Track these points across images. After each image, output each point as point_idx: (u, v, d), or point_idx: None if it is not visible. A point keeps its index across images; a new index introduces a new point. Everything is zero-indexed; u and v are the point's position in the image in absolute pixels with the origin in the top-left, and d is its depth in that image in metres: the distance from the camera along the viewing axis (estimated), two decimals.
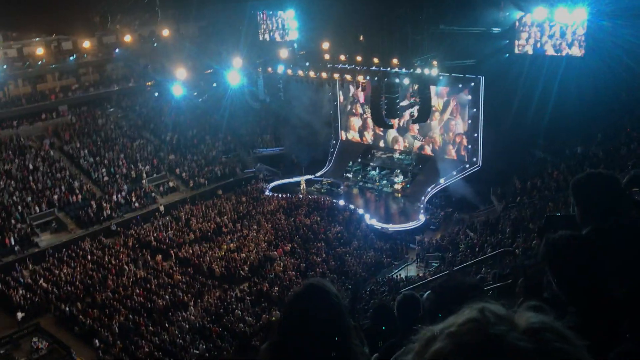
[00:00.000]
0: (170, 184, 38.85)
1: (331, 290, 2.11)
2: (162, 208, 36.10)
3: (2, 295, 26.87)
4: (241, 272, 28.69)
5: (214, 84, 34.38)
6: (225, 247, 31.00)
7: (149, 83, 34.71)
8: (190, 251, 30.71)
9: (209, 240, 32.23)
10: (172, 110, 42.36)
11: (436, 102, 37.31)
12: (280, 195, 38.07)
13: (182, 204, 36.86)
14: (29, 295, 26.71)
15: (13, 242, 30.37)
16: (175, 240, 32.04)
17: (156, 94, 35.24)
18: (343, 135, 44.67)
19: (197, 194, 38.26)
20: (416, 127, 39.24)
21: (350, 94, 42.95)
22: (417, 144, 39.79)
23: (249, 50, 34.46)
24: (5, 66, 39.40)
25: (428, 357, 1.14)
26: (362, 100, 42.31)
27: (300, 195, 37.99)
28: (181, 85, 32.56)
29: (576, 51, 28.69)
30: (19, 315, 25.40)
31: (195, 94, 34.24)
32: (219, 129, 44.18)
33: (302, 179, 40.11)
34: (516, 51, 31.12)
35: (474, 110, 35.94)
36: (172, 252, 30.88)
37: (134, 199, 35.85)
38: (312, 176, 41.63)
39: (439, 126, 38.24)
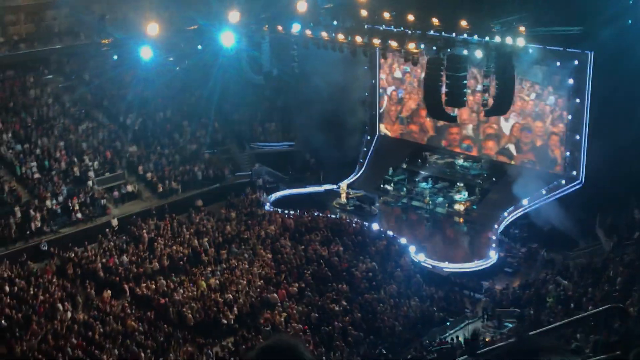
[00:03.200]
0: (129, 188, 39.03)
1: (304, 356, 2.15)
2: (115, 222, 36.25)
3: None
4: (225, 320, 28.73)
5: (199, 47, 34.61)
6: (203, 283, 31.08)
7: (106, 41, 34.99)
8: (153, 287, 30.84)
9: (180, 272, 32.35)
10: (137, 82, 42.63)
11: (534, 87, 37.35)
12: (286, 212, 38.21)
13: (145, 217, 37.01)
14: None
15: None
16: (132, 270, 32.16)
17: (115, 58, 35.42)
18: (383, 128, 44.70)
19: (166, 204, 38.42)
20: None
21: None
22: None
23: (250, 0, 34.68)
24: None
25: None
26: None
27: (337, 211, 38.69)
28: (151, 47, 32.81)
29: None
30: None
31: (171, 59, 34.45)
32: (203, 111, 44.30)
33: (344, 184, 40.44)
34: None
35: (577, 100, 35.73)
36: (126, 286, 31.04)
37: (75, 208, 36.20)
38: (335, 186, 41.71)
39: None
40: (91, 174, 38.59)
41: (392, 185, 40.94)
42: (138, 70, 37.92)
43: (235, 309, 29.26)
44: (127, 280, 31.52)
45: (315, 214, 37.94)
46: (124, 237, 35.36)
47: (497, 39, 30.10)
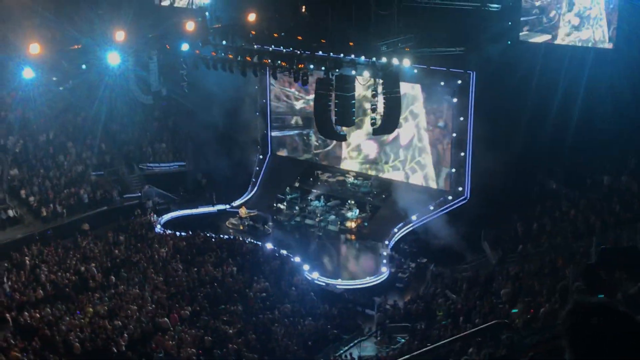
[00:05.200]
0: (10, 212, 37.97)
1: None
2: None
3: None
4: (115, 348, 28.01)
5: (84, 66, 33.81)
6: (91, 310, 30.26)
7: None
8: (38, 315, 29.79)
9: (66, 300, 31.41)
10: (17, 103, 41.41)
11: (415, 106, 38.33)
12: (178, 234, 37.76)
13: (28, 243, 35.94)
14: None
15: None
16: (15, 299, 31.10)
17: None
18: (276, 148, 44.93)
19: (51, 228, 37.56)
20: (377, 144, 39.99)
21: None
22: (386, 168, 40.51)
23: (137, 19, 34.15)
24: None
25: None
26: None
27: (230, 231, 38.66)
28: (33, 67, 31.82)
29: (605, 43, 30.16)
30: None
31: (54, 79, 33.53)
32: (89, 132, 43.61)
33: (243, 208, 40.64)
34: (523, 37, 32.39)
35: (461, 118, 36.92)
36: (8, 316, 29.88)
37: None
38: (227, 206, 41.61)
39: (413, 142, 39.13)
40: None
41: (284, 204, 41.11)
42: (19, 91, 36.87)
43: (125, 335, 28.58)
44: (9, 309, 30.29)
45: (208, 235, 37.65)
46: (5, 264, 34.18)
47: (384, 59, 30.76)
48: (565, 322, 2.71)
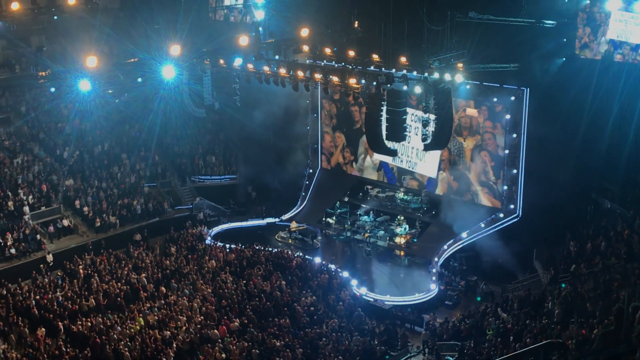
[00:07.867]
0: (65, 222, 38.55)
1: None
2: (50, 258, 35.61)
3: None
4: (164, 358, 28.19)
5: (139, 80, 34.35)
6: (141, 320, 30.52)
7: (43, 73, 34.42)
8: (89, 324, 30.10)
9: (117, 309, 31.72)
10: (74, 115, 42.21)
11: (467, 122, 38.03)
12: (227, 246, 37.92)
13: (81, 252, 36.49)
14: None
15: None
16: (68, 307, 31.44)
17: (52, 90, 35.03)
18: (325, 161, 44.89)
19: (104, 238, 38.08)
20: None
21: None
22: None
23: (192, 34, 34.64)
24: None
25: None
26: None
27: (279, 244, 38.87)
28: (90, 80, 32.43)
29: None
30: None
31: (110, 92, 34.07)
32: (143, 144, 44.27)
33: (293, 222, 40.76)
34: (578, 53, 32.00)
35: (514, 135, 36.42)
36: (61, 324, 30.25)
37: (9, 243, 35.30)
38: (277, 219, 41.69)
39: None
40: (26, 208, 37.90)
41: (334, 218, 41.05)
42: (76, 103, 37.60)
43: (174, 346, 28.72)
44: (62, 317, 30.71)
45: (257, 247, 37.74)
46: (59, 273, 34.75)
47: (436, 75, 30.59)
48: None
